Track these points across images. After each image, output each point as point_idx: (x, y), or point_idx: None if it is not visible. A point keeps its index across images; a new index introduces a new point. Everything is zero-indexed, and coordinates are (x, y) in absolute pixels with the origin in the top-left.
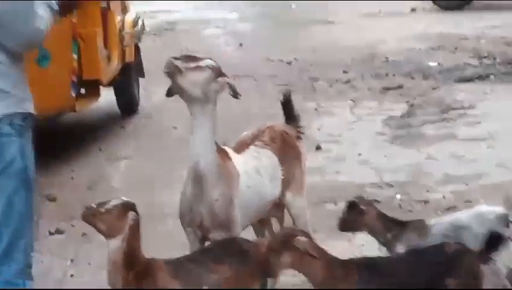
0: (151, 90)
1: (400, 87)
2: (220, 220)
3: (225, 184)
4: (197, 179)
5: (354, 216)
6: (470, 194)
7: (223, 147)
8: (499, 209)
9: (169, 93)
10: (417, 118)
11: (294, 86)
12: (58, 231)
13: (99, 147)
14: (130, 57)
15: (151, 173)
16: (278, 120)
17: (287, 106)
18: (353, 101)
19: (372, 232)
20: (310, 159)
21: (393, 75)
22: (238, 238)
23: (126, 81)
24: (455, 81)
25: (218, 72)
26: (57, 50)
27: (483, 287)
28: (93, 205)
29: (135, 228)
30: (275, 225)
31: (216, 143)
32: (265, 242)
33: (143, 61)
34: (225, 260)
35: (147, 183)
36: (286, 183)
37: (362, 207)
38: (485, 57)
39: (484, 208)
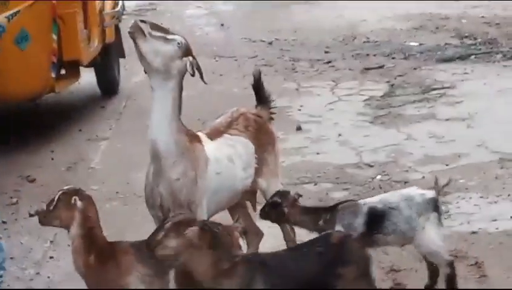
0: (131, 71)
1: (381, 67)
2: (181, 201)
3: (188, 164)
4: (156, 158)
5: (277, 214)
6: (449, 174)
7: (198, 132)
8: (429, 193)
9: None
10: (397, 98)
11: (275, 66)
12: (38, 213)
13: (79, 128)
14: (110, 38)
15: (131, 153)
16: None
17: (258, 87)
18: (334, 81)
19: (300, 226)
20: (291, 140)
21: (374, 55)
22: (208, 222)
23: (106, 62)
24: (436, 61)
25: (184, 51)
26: (36, 31)
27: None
28: (43, 208)
29: (86, 211)
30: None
31: (182, 124)
32: (237, 227)
33: (123, 41)
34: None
35: (126, 164)
36: (260, 170)
37: (284, 208)
38: (466, 37)
39: (414, 190)
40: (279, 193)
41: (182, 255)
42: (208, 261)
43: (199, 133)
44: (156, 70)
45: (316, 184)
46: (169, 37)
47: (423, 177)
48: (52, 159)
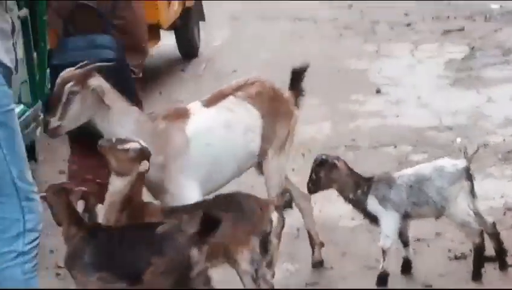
0: (211, 34)
1: (461, 29)
2: (153, 188)
3: (156, 151)
4: None
5: (326, 172)
6: None
7: (193, 102)
8: (461, 162)
9: None
10: (478, 61)
11: (354, 29)
12: None
13: (159, 91)
14: (190, 1)
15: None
16: (337, 61)
17: (298, 77)
18: (413, 43)
19: (342, 189)
20: (369, 102)
21: (455, 17)
22: (239, 194)
23: (186, 25)
24: None
25: (81, 82)
26: None
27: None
28: (112, 139)
29: (142, 177)
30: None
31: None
32: (272, 201)
33: (203, 5)
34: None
35: None
36: (267, 140)
37: (334, 161)
38: None
39: (446, 161)
40: (321, 155)
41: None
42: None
43: (190, 105)
44: (93, 117)
45: (395, 147)
46: (64, 98)
47: (504, 140)
48: None
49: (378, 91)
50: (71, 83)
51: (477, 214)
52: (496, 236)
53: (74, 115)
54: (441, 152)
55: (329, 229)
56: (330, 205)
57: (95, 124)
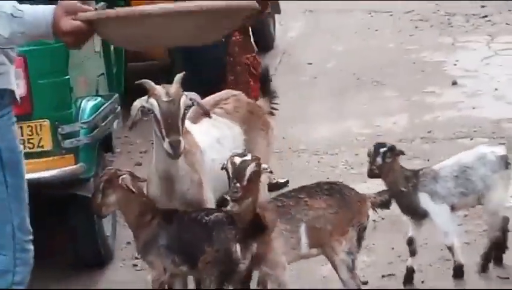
0: (287, 26)
1: None
2: (194, 206)
3: (191, 169)
4: (165, 179)
5: (392, 159)
6: None
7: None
8: (500, 149)
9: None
10: None
11: (430, 21)
12: None
13: None
14: None
15: (285, 109)
16: (413, 53)
17: (265, 81)
18: (490, 35)
19: (396, 181)
20: (446, 94)
21: None
22: (341, 183)
23: (262, 18)
24: None
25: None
26: None
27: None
28: (237, 185)
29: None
30: None
31: None
32: (370, 198)
33: None
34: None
35: (282, 119)
36: (251, 152)
37: (401, 150)
38: None
39: (485, 149)
40: (378, 143)
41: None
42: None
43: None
44: None
45: (471, 139)
46: (181, 113)
47: None
48: None
49: (454, 83)
50: (185, 98)
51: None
52: (505, 231)
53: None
54: None
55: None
56: None
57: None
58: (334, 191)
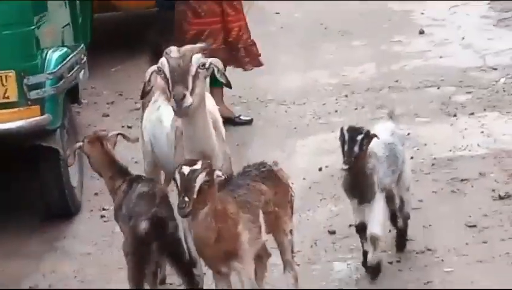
0: None
1: None
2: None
3: (221, 143)
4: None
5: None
6: None
7: None
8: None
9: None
10: None
11: None
12: None
13: None
14: None
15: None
16: (380, 3)
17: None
18: None
19: (362, 165)
20: (413, 43)
21: None
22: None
23: None
24: None
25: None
26: None
27: None
28: (186, 199)
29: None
30: None
31: None
32: None
33: None
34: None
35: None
36: None
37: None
38: None
39: (389, 124)
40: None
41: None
42: None
43: None
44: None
45: (439, 88)
46: (193, 71)
47: None
48: None
49: (421, 32)
50: (199, 55)
51: None
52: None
53: (200, 93)
54: (485, 92)
55: None
56: None
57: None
58: (270, 172)
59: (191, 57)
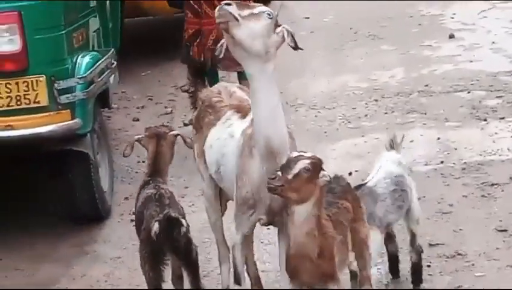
0: None
1: None
2: None
3: (292, 141)
4: (270, 156)
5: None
6: None
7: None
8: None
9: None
10: None
11: None
12: (192, 122)
13: None
14: None
15: (282, 63)
16: (409, 7)
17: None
18: None
19: None
20: (443, 48)
21: None
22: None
23: None
24: None
25: (275, 21)
26: None
27: None
28: (278, 173)
29: (324, 189)
30: None
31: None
32: None
33: None
34: None
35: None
36: None
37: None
38: None
39: (393, 154)
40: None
41: None
42: None
43: None
44: (257, 54)
45: (469, 92)
46: (257, 11)
47: None
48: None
49: (451, 36)
50: (270, 10)
51: None
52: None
53: (255, 30)
54: None
55: None
56: (404, 151)
57: (254, 68)
58: (348, 186)
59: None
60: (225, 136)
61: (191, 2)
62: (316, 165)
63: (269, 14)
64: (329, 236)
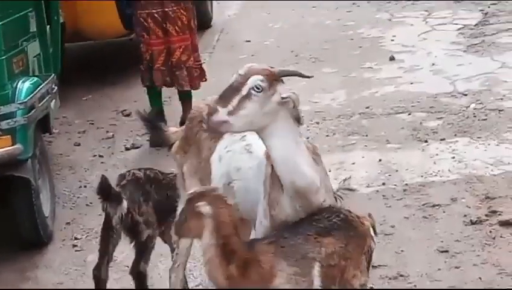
0: (224, 5)
1: None
2: None
3: (323, 177)
4: (300, 196)
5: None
6: None
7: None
8: None
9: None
10: (491, 27)
11: None
12: (134, 146)
13: None
14: None
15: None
16: (350, 30)
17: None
18: (426, 11)
19: None
20: (384, 70)
21: None
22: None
23: None
24: None
25: (268, 84)
26: None
27: None
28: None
29: (219, 217)
30: None
31: (302, 141)
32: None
33: None
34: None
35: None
36: None
37: None
38: None
39: None
40: None
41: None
42: None
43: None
44: (263, 127)
45: (410, 114)
46: (244, 92)
47: None
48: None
49: (392, 58)
50: (260, 77)
51: None
52: None
53: (248, 115)
54: (455, 118)
55: (345, 196)
56: (345, 173)
57: (264, 134)
58: (344, 221)
59: (249, 78)
60: (239, 150)
61: (143, 21)
62: (192, 202)
63: (258, 88)
64: (261, 268)
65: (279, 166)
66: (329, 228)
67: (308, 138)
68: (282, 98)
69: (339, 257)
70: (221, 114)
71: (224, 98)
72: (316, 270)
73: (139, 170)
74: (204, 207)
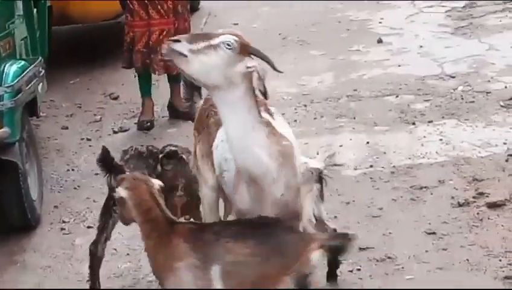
0: None
1: None
2: (289, 214)
3: (287, 172)
4: (252, 182)
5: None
6: None
7: (265, 113)
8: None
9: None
10: (479, 9)
11: None
12: (122, 129)
13: None
14: None
15: None
16: (337, 12)
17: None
18: None
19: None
20: (372, 52)
21: None
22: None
23: None
24: None
25: (240, 49)
26: None
27: None
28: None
29: (136, 196)
30: None
31: (262, 122)
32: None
33: None
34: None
35: None
36: None
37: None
38: None
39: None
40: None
41: None
42: None
43: (267, 114)
44: (216, 86)
45: (397, 96)
46: (214, 42)
47: (505, 87)
48: (135, 76)
49: (379, 41)
50: (235, 38)
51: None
52: None
53: (207, 64)
54: (443, 100)
55: (332, 179)
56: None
57: (216, 97)
58: (268, 232)
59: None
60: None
61: (128, 3)
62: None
63: (229, 45)
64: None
65: (229, 143)
66: (251, 237)
67: (295, 120)
68: (248, 67)
69: (247, 268)
70: (183, 46)
71: (195, 38)
72: (214, 271)
73: (142, 145)
74: (123, 191)
